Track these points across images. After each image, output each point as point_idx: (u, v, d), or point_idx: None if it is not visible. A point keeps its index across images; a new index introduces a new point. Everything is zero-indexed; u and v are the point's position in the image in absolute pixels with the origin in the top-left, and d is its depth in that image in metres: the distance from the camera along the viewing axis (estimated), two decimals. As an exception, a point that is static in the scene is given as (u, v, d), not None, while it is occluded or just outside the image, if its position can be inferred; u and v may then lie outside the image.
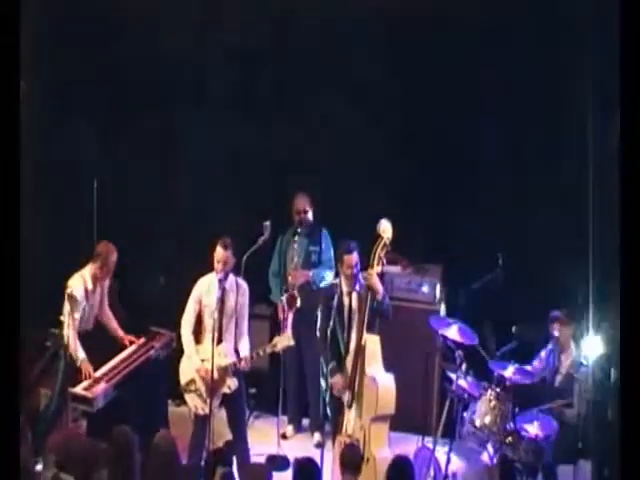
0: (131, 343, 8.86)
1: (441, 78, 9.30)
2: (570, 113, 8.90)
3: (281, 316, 9.14)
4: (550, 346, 8.58)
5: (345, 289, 8.04)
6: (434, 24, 9.21)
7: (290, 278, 9.22)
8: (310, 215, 9.30)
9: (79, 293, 8.48)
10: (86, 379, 8.42)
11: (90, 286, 8.62)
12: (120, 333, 8.92)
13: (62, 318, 8.53)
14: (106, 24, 9.83)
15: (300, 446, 9.21)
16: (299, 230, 9.30)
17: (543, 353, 8.64)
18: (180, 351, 8.38)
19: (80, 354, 8.44)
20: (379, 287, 7.88)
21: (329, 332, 7.95)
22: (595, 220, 8.68)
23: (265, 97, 9.77)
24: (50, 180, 9.88)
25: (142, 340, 8.93)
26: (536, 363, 8.63)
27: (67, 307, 8.41)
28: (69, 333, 8.39)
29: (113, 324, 8.93)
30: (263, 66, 9.76)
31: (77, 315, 8.43)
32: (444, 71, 9.25)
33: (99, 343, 8.78)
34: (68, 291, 8.40)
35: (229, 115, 9.79)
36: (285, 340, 8.12)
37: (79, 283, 8.54)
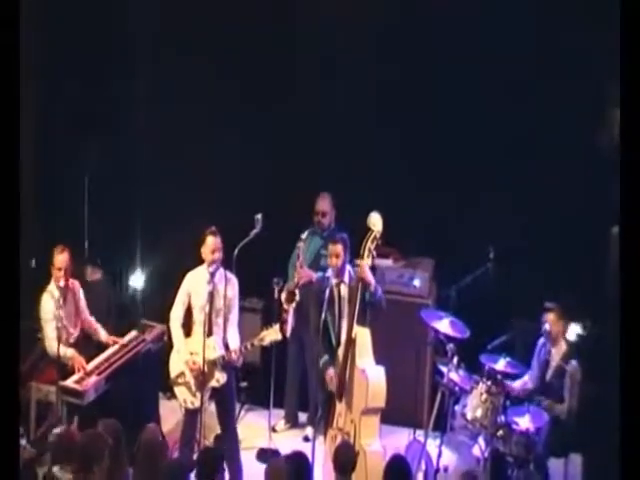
0: (115, 344, 8.82)
1: (437, 74, 9.29)
2: (568, 111, 8.92)
3: (280, 309, 9.07)
4: (542, 340, 8.58)
5: (334, 281, 8.03)
6: (434, 23, 9.21)
7: (295, 274, 9.19)
8: (328, 218, 9.20)
9: (49, 314, 8.44)
10: (79, 372, 8.41)
11: (57, 295, 8.50)
12: (103, 336, 8.86)
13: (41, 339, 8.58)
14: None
15: (292, 440, 9.21)
16: (315, 230, 9.24)
17: (535, 357, 8.65)
18: (171, 344, 8.37)
19: (68, 352, 8.43)
20: (370, 278, 7.84)
21: (321, 324, 7.93)
22: (591, 213, 8.71)
23: (262, 91, 9.73)
24: (43, 178, 9.87)
25: (133, 334, 8.91)
26: (534, 363, 8.63)
27: (42, 327, 8.45)
28: (50, 344, 8.40)
29: (96, 329, 8.86)
30: (260, 62, 9.73)
31: (53, 331, 8.38)
32: (441, 68, 9.25)
33: (87, 347, 8.77)
34: (41, 315, 8.43)
35: (223, 105, 9.79)
36: (273, 333, 8.07)
37: (46, 302, 8.48)
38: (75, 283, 8.76)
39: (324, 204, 9.22)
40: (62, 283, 8.51)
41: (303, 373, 9.36)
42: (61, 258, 8.48)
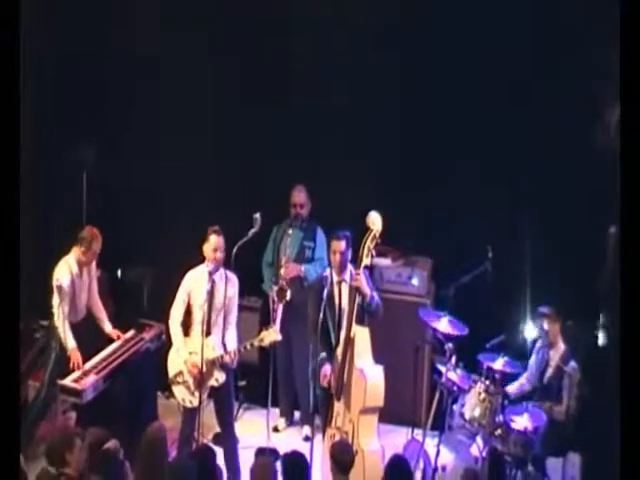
0: (118, 338, 8.83)
1: (437, 73, 9.27)
2: (567, 111, 8.92)
3: (272, 307, 9.12)
4: (539, 343, 8.59)
5: (335, 278, 8.02)
6: (434, 23, 9.20)
7: (282, 270, 9.20)
8: (306, 210, 9.24)
9: (66, 282, 8.46)
10: (75, 369, 8.41)
11: (76, 270, 8.58)
12: (108, 327, 8.88)
13: (52, 310, 8.53)
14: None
15: (291, 439, 9.22)
16: (294, 223, 9.27)
17: (533, 358, 8.65)
18: (170, 343, 8.37)
19: (70, 343, 8.43)
20: (366, 290, 7.86)
21: (320, 323, 7.92)
22: (591, 212, 8.70)
23: (260, 88, 9.72)
24: (42, 175, 9.87)
25: (131, 333, 8.92)
26: (531, 364, 8.64)
27: (56, 298, 8.41)
28: (60, 323, 8.39)
29: (102, 315, 8.89)
30: (260, 59, 9.72)
31: (66, 305, 8.42)
32: (442, 67, 9.23)
33: (90, 335, 8.77)
34: (56, 283, 8.40)
35: (220, 104, 9.78)
36: (272, 334, 8.07)
37: (65, 271, 8.51)
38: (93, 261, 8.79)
39: (301, 196, 9.24)
40: (82, 258, 8.55)
41: (292, 370, 9.36)
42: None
